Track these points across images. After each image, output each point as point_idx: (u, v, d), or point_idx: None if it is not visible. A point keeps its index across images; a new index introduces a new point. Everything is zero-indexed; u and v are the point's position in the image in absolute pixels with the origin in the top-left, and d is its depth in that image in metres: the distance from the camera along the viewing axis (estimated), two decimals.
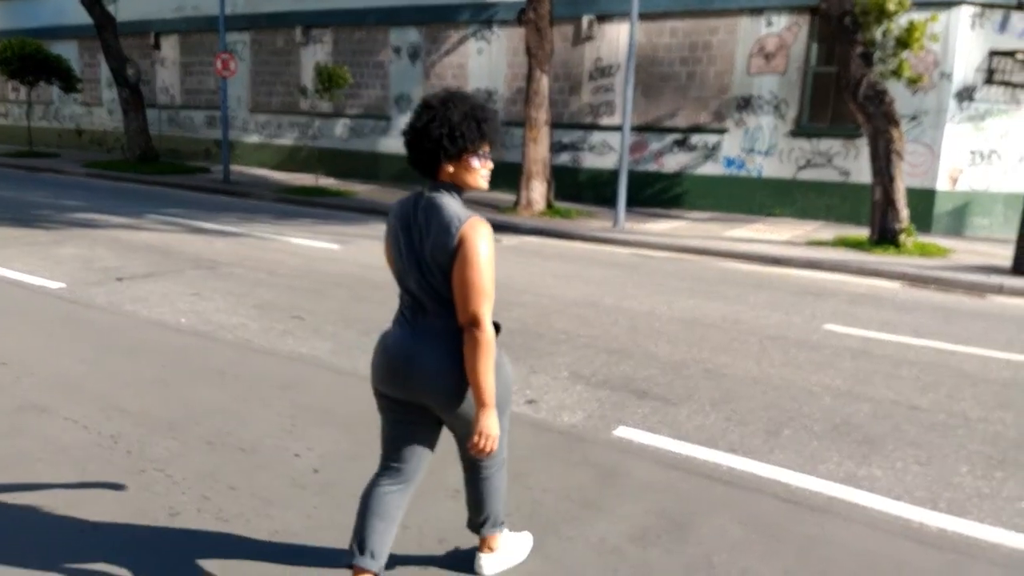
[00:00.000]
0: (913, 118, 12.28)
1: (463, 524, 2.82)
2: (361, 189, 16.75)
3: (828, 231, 12.09)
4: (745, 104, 14.16)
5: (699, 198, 14.83)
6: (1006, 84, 12.14)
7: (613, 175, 12.51)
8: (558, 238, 11.67)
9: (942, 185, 12.38)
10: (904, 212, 10.37)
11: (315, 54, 19.61)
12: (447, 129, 2.27)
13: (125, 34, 21.59)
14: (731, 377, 5.18)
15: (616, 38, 15.14)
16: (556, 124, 15.57)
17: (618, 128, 12.63)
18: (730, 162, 14.49)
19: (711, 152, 14.65)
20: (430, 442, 2.56)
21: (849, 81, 10.38)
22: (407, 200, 2.41)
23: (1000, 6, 12.00)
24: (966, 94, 12.18)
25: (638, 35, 14.62)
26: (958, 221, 12.57)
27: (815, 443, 4.10)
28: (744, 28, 13.95)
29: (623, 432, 4.13)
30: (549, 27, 13.30)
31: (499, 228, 12.09)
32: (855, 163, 12.88)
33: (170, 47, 22.82)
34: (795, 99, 13.65)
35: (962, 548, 3.09)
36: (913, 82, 10.60)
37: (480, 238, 2.25)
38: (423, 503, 3.16)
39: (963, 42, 12.00)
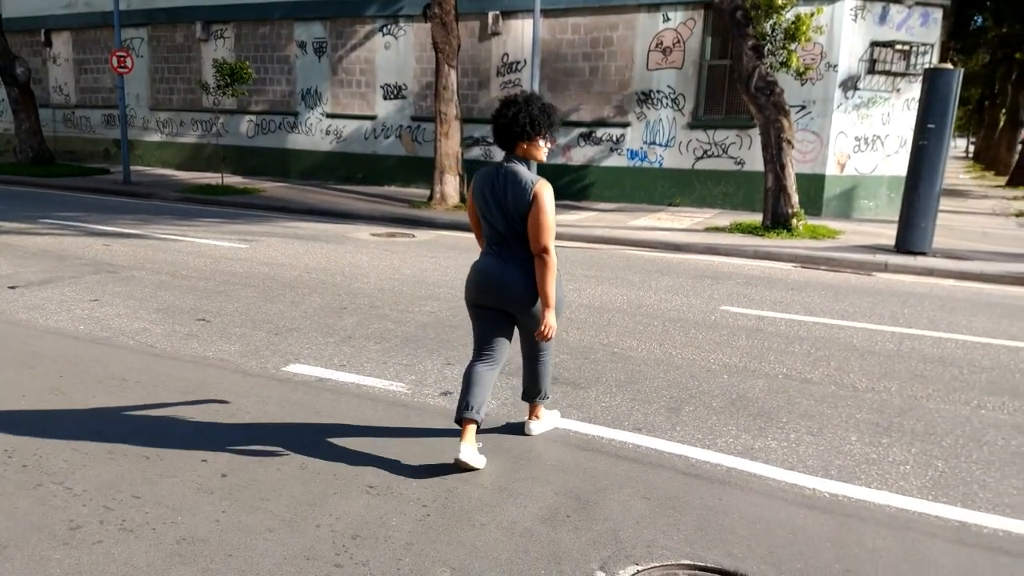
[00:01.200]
0: (802, 108, 12.97)
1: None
2: (269, 187, 16.32)
3: (725, 218, 12.62)
4: (646, 98, 14.58)
5: (606, 189, 15.19)
6: (887, 73, 12.96)
7: None
8: (471, 231, 11.69)
9: (830, 170, 13.13)
10: (795, 197, 10.94)
11: (216, 50, 18.95)
12: (528, 119, 3.41)
13: (13, 31, 20.37)
14: (636, 359, 5.37)
15: (521, 34, 15.29)
16: (467, 119, 15.60)
17: None
18: (634, 154, 14.90)
19: (616, 145, 15.02)
20: (509, 335, 3.69)
21: (742, 73, 10.85)
22: (490, 170, 3.53)
23: None
24: (851, 84, 12.94)
25: (542, 31, 14.84)
26: (846, 204, 13.36)
27: (714, 418, 4.32)
28: (642, 24, 14.35)
29: None
30: (455, 22, 13.31)
31: (413, 223, 12.09)
32: (749, 152, 13.48)
33: (62, 44, 21.59)
34: (692, 92, 14.16)
35: (851, 511, 3.33)
36: (801, 73, 11.18)
37: (547, 194, 3.39)
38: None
39: (847, 34, 12.73)
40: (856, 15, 12.74)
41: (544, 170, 14.68)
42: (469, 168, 14.89)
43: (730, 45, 11.35)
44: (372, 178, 17.50)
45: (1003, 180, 25.97)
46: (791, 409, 4.51)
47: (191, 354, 5.21)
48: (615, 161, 15.12)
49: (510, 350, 3.75)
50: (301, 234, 10.74)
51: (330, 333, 5.78)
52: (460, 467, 3.47)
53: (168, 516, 3.10)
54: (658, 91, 14.49)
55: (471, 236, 11.43)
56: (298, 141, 18.53)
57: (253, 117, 18.99)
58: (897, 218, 10.08)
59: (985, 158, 35.33)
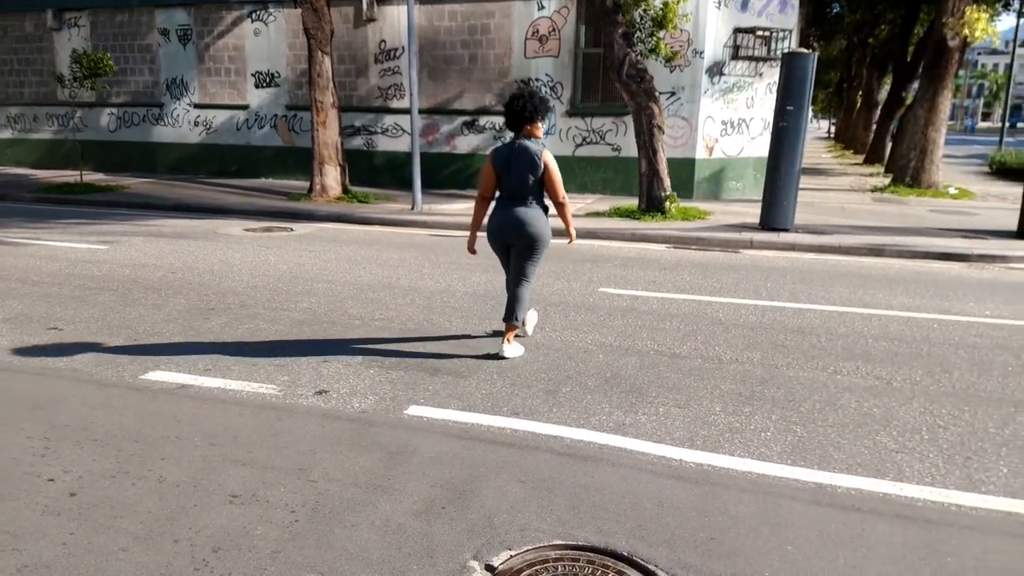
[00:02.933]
0: (672, 94, 13.42)
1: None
2: (133, 183, 15.35)
3: (605, 203, 12.91)
4: (525, 86, 14.67)
5: None
6: (750, 59, 13.59)
7: (408, 157, 12.49)
8: (355, 223, 11.46)
9: (700, 154, 13.68)
10: (667, 181, 11.33)
11: (71, 39, 17.61)
12: (532, 108, 4.88)
13: None
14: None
15: (397, 20, 15.03)
16: (346, 107, 15.24)
17: (408, 111, 12.60)
18: None
19: (499, 133, 15.04)
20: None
21: (613, 61, 11.09)
22: (504, 147, 4.98)
23: None
24: (716, 69, 13.50)
25: (419, 18, 14.64)
26: (716, 186, 13.97)
27: (589, 397, 4.41)
28: (518, 12, 14.42)
29: (414, 411, 4.18)
30: (327, 7, 12.92)
31: (291, 217, 11.69)
32: (625, 139, 13.85)
33: None
34: (569, 80, 14.38)
35: (715, 479, 3.46)
36: (670, 60, 11.56)
37: (552, 159, 4.94)
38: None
39: (711, 21, 13.26)
40: (720, 2, 13.29)
41: (429, 159, 14.58)
42: (351, 158, 14.54)
43: (602, 33, 11.56)
44: (247, 171, 16.79)
45: (861, 158, 27.95)
46: (661, 384, 4.66)
47: (40, 366, 4.82)
48: None
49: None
50: (167, 232, 10.16)
51: (195, 336, 5.49)
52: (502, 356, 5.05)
53: (9, 542, 2.84)
54: (537, 79, 14.61)
55: (355, 228, 11.16)
56: (165, 134, 17.52)
57: (115, 110, 17.80)
58: (762, 198, 10.62)
59: (845, 138, 37.87)
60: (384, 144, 15.90)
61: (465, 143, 15.36)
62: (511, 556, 2.80)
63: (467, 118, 15.23)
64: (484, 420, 4.04)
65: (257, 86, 16.53)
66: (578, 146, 14.52)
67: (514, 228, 4.99)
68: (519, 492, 3.27)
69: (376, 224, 11.42)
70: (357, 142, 15.91)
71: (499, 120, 14.91)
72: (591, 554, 2.85)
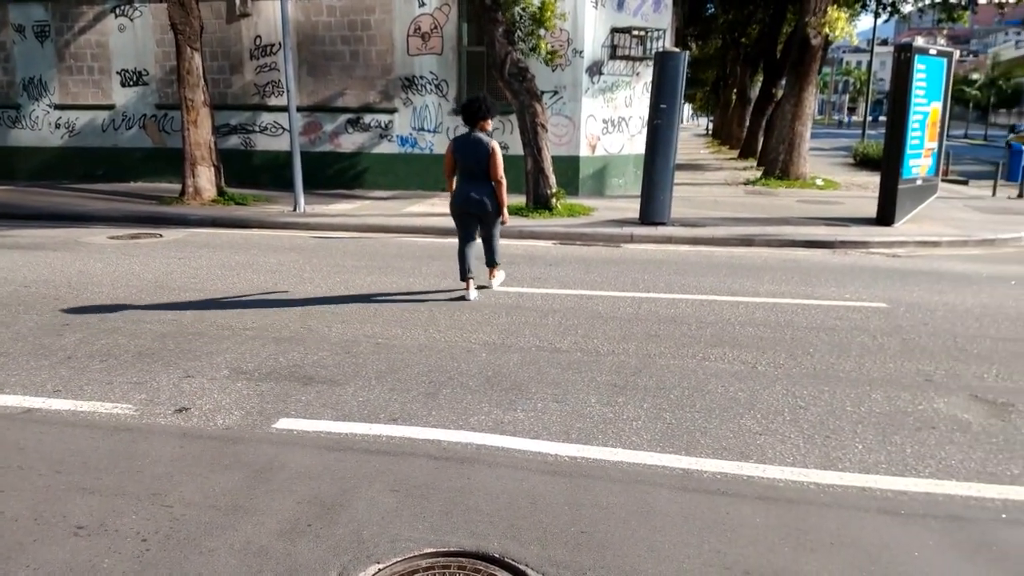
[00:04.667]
0: (555, 93, 13.60)
1: None
2: None
3: None
4: (410, 84, 14.52)
5: (379, 176, 14.96)
6: (627, 58, 13.95)
7: (289, 157, 12.06)
8: (232, 227, 10.97)
9: (583, 152, 13.94)
10: (553, 179, 11.47)
11: None
12: (486, 107, 6.52)
13: None
14: (399, 348, 5.30)
15: (273, 15, 14.49)
16: (220, 105, 14.57)
17: (287, 108, 12.17)
18: (404, 140, 14.81)
19: (385, 131, 14.82)
20: (476, 228, 6.79)
21: (495, 59, 11.12)
22: (461, 137, 6.51)
23: None
24: (596, 69, 13.78)
25: (296, 13, 14.20)
26: (599, 182, 14.28)
27: (469, 397, 4.37)
28: (399, 8, 14.22)
29: (284, 424, 4.00)
30: (195, 2, 12.29)
31: (161, 222, 11.07)
32: (511, 137, 13.87)
33: None
34: (453, 78, 14.32)
35: (588, 472, 3.49)
36: (551, 59, 11.70)
37: (498, 148, 6.49)
38: None
39: (589, 20, 13.51)
40: (596, 2, 13.56)
41: (312, 158, 14.19)
42: (228, 159, 13.91)
43: (483, 31, 11.57)
44: (115, 175, 15.75)
45: (736, 153, 29.32)
46: (541, 379, 4.68)
47: None
48: (386, 148, 14.92)
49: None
50: (23, 243, 9.38)
51: (45, 355, 5.07)
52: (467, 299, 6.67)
53: None
54: (421, 77, 14.47)
55: (230, 232, 10.67)
56: (22, 137, 16.22)
57: None
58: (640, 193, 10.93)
59: (722, 134, 39.63)
60: (263, 143, 15.32)
61: (350, 141, 15.02)
62: (379, 570, 2.72)
63: (351, 116, 14.89)
64: (359, 429, 3.92)
65: (124, 85, 15.56)
66: None
67: (476, 203, 6.63)
68: (391, 502, 3.19)
69: (254, 227, 10.97)
70: (233, 141, 15.26)
71: (385, 118, 14.70)
72: (463, 559, 2.80)
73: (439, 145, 14.55)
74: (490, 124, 6.69)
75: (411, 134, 14.75)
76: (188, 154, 12.59)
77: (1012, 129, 39.78)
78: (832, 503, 3.23)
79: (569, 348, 5.32)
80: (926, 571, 2.72)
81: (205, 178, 12.71)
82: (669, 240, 9.87)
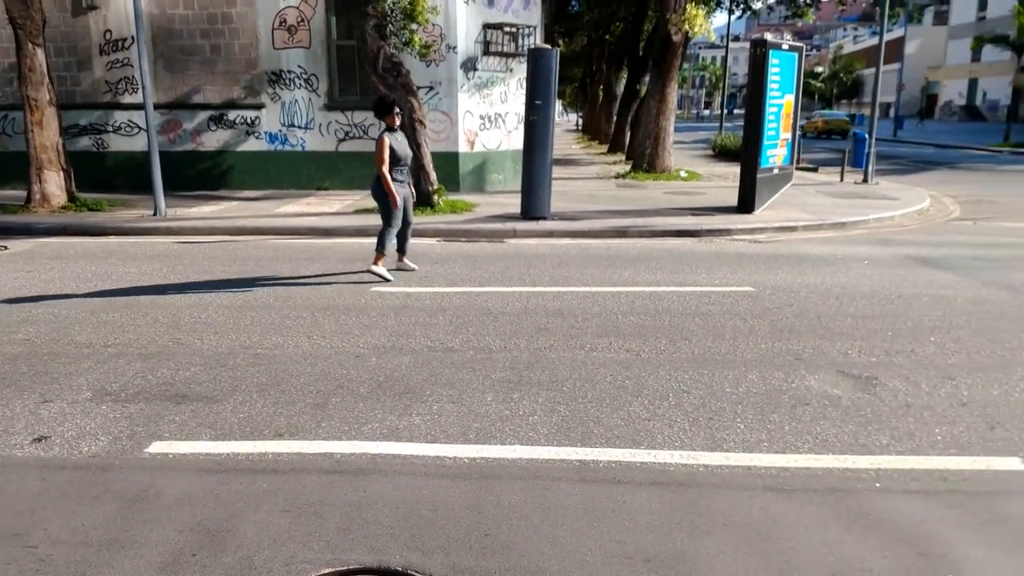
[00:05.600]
0: (431, 88, 13.48)
1: None
2: None
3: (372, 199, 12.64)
4: (277, 78, 13.96)
5: (247, 176, 14.30)
6: (500, 54, 14.03)
7: (147, 157, 11.28)
8: (85, 235, 10.15)
9: (462, 148, 13.91)
10: (434, 175, 11.37)
11: None
12: (391, 102, 7.51)
13: None
14: (281, 358, 5.06)
15: (123, 8, 13.53)
16: (68, 105, 13.47)
17: (143, 106, 11.36)
18: (273, 137, 14.23)
19: (252, 128, 14.18)
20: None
21: (367, 54, 10.86)
22: (388, 130, 7.38)
23: None
24: (470, 64, 13.77)
25: (149, 5, 13.33)
26: (479, 178, 14.31)
27: (361, 405, 4.23)
28: (263, 1, 13.62)
29: (157, 447, 3.71)
30: None
31: (5, 232, 10.10)
32: None
33: None
34: (324, 73, 13.89)
35: (488, 472, 3.46)
36: (424, 54, 11.57)
37: (381, 139, 7.28)
38: None
39: (461, 16, 13.47)
40: None
41: (172, 158, 13.40)
42: (79, 161, 12.87)
43: (353, 25, 11.27)
44: None
45: (605, 148, 30.23)
46: (435, 380, 4.61)
47: None
48: (254, 145, 14.27)
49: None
50: None
51: None
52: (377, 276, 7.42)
53: None
54: (289, 71, 13.94)
55: (84, 241, 9.87)
56: None
57: None
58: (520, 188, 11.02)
59: (591, 129, 40.78)
60: (117, 144, 14.28)
61: (213, 139, 14.27)
62: None
63: (214, 112, 14.15)
64: (242, 448, 3.70)
65: None
66: (341, 141, 14.09)
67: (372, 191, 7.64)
68: (284, 522, 3.02)
69: (111, 234, 10.20)
70: (84, 143, 14.15)
71: (251, 114, 14.07)
72: None
73: (312, 142, 14.09)
74: (396, 120, 7.44)
75: (280, 131, 14.19)
76: (33, 158, 11.54)
77: (852, 119, 43.36)
78: (721, 484, 3.36)
79: (461, 347, 5.27)
80: (812, 544, 2.87)
81: (54, 183, 11.69)
82: (551, 234, 10.01)
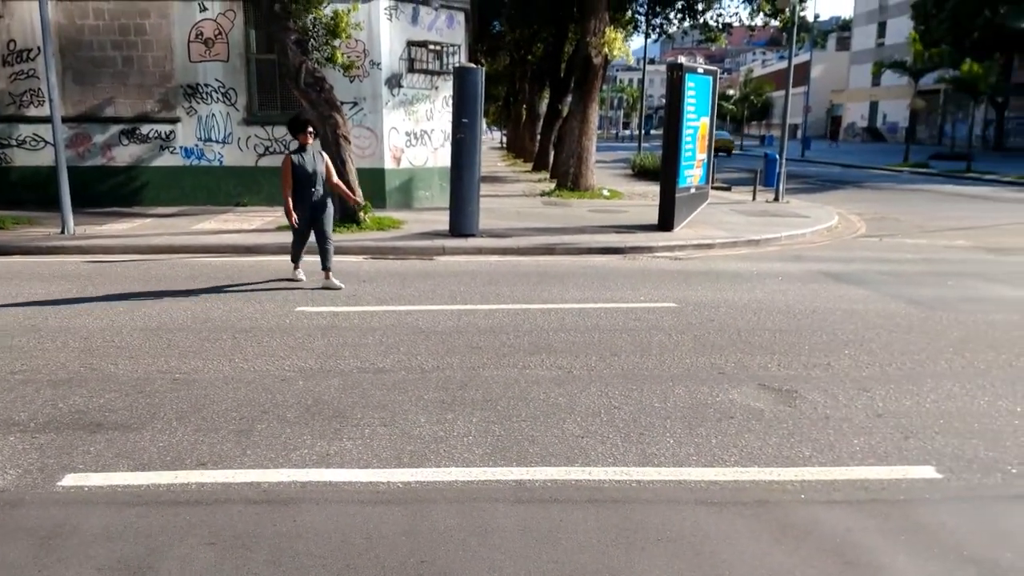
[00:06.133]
0: (355, 104, 13.34)
1: None
2: None
3: None
4: (193, 92, 13.55)
5: (162, 192, 13.77)
6: (425, 72, 14.02)
7: (53, 172, 10.72)
8: None
9: (388, 164, 13.80)
10: (359, 192, 11.20)
11: None
12: (304, 121, 7.73)
13: None
14: (202, 383, 4.87)
15: (29, 17, 12.86)
16: None
17: (50, 119, 10.80)
18: (189, 152, 13.77)
19: (167, 142, 13.69)
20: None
21: (289, 68, 10.67)
22: (296, 150, 7.62)
23: (409, 0, 13.71)
24: (395, 81, 13.70)
25: (58, 15, 12.75)
26: (406, 195, 14.22)
27: (288, 431, 4.10)
28: (178, 12, 13.24)
29: (71, 480, 3.51)
30: None
31: None
32: None
33: None
34: (243, 87, 13.57)
35: (423, 496, 3.41)
36: (347, 69, 11.44)
37: (284, 160, 7.60)
38: None
39: (385, 33, 13.41)
40: (391, 15, 13.50)
41: (83, 173, 12.83)
42: None
43: (274, 39, 11.05)
44: None
45: (530, 166, 30.55)
46: (366, 403, 4.52)
47: None
48: (169, 160, 13.76)
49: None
50: None
51: None
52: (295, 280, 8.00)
53: None
54: (206, 84, 13.54)
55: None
56: None
57: None
58: (448, 205, 11.01)
59: (515, 147, 41.17)
60: (22, 158, 13.53)
61: (126, 154, 13.69)
62: None
63: (126, 126, 13.59)
64: (163, 479, 3.53)
65: None
66: (261, 156, 13.76)
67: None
68: (209, 557, 2.89)
69: (15, 253, 9.62)
70: None
71: (166, 128, 13.61)
72: None
73: (229, 157, 13.71)
74: (308, 139, 7.63)
75: (197, 145, 13.75)
76: None
77: (762, 140, 45.28)
78: (653, 499, 3.41)
79: (393, 367, 5.20)
80: (743, 556, 2.95)
81: None
82: (479, 251, 10.02)
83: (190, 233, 10.85)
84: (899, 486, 3.53)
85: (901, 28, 50.72)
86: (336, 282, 7.80)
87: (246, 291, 7.59)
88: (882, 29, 60.04)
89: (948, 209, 16.50)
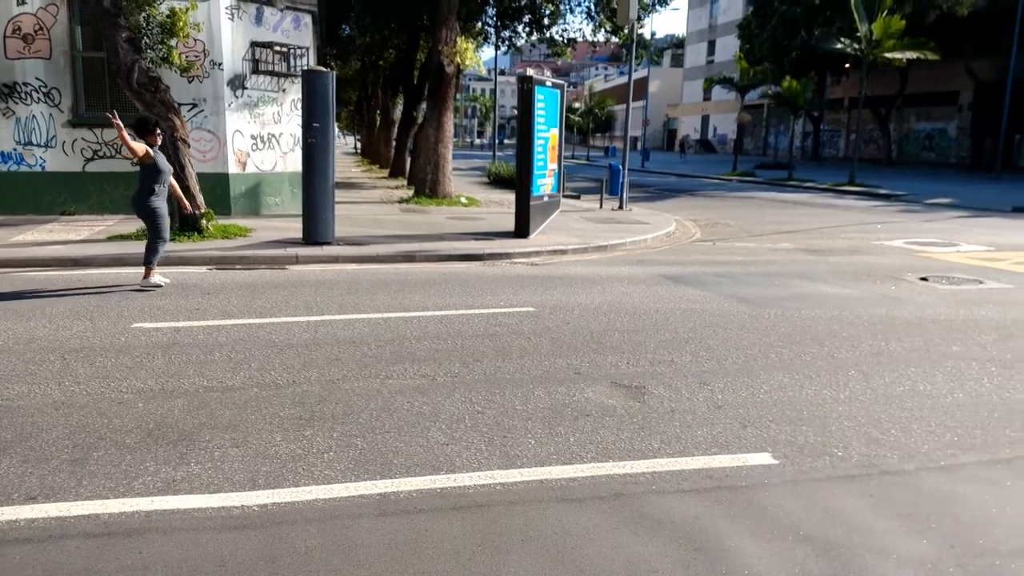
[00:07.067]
0: (194, 105, 12.63)
1: None
2: None
3: (130, 224, 11.46)
4: (10, 91, 12.31)
5: None
6: (271, 74, 13.51)
7: None
8: None
9: (233, 169, 13.16)
10: (200, 198, 10.62)
11: None
12: (154, 123, 8.26)
13: None
14: (28, 408, 4.43)
15: None
16: None
17: None
18: (6, 157, 12.49)
19: None
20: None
21: (120, 68, 9.94)
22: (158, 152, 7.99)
23: (252, 0, 13.16)
24: (238, 82, 13.10)
25: None
26: (254, 201, 13.62)
27: (129, 458, 3.81)
28: None
29: None
30: None
31: None
32: None
33: None
34: (67, 86, 12.48)
35: (282, 518, 3.27)
36: (185, 70, 10.82)
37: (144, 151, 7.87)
38: None
39: (226, 33, 12.79)
40: (233, 14, 12.90)
41: None
42: None
43: (103, 37, 10.24)
44: None
45: (386, 172, 30.23)
46: (214, 424, 4.29)
47: None
48: None
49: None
50: None
51: None
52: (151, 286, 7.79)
53: None
54: (25, 83, 12.33)
55: None
56: None
57: None
58: (301, 212, 10.67)
59: (370, 153, 40.61)
60: None
61: None
62: None
63: None
64: None
65: None
66: (88, 160, 12.69)
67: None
68: None
69: None
70: None
71: None
72: None
73: (53, 162, 12.55)
74: (157, 140, 7.95)
75: (15, 149, 12.48)
76: None
77: (606, 151, 47.43)
78: (516, 500, 3.48)
79: (243, 384, 4.96)
80: (603, 550, 3.07)
81: None
82: (336, 260, 9.78)
83: (9, 245, 9.82)
84: (740, 473, 3.81)
85: (729, 47, 54.96)
86: (161, 279, 8.01)
87: (74, 306, 6.96)
88: (712, 47, 64.74)
89: (773, 214, 18.04)
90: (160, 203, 7.94)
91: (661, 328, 6.68)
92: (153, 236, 7.91)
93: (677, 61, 76.48)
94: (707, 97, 60.78)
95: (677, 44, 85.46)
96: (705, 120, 66.33)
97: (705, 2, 65.78)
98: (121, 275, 8.54)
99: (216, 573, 2.84)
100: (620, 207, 17.43)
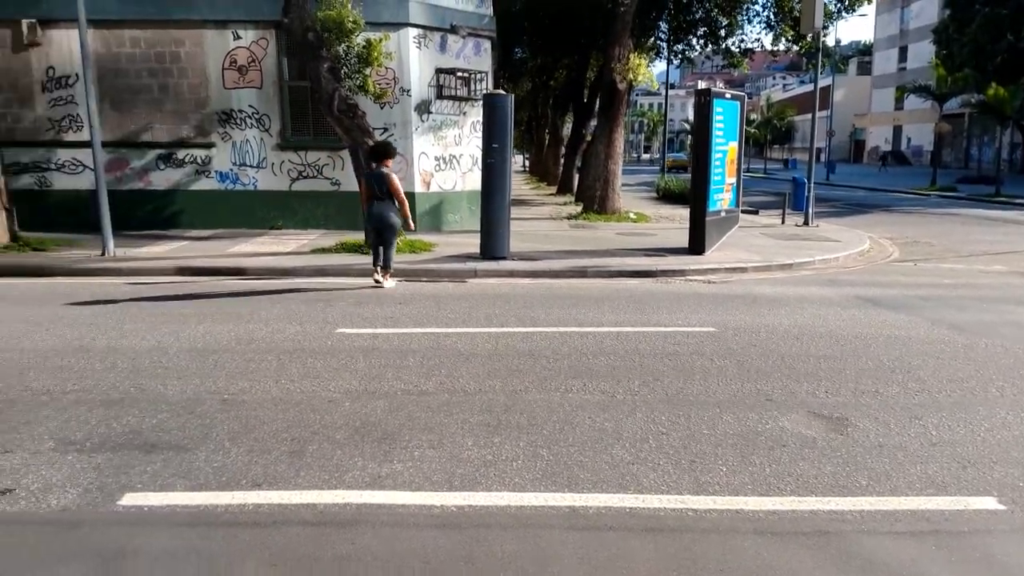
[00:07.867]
0: (385, 130, 13.51)
1: None
2: None
3: (331, 238, 12.52)
4: (228, 118, 13.80)
5: (198, 215, 13.99)
6: (453, 98, 14.19)
7: (92, 196, 10.97)
8: (30, 276, 9.76)
9: (419, 188, 13.93)
10: None
11: None
12: (391, 149, 9.63)
13: None
14: (251, 403, 4.92)
15: (67, 45, 13.23)
16: (7, 142, 13.05)
17: (88, 144, 11.08)
18: (224, 176, 14.00)
19: (203, 167, 13.93)
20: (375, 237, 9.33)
21: (323, 96, 10.85)
22: (370, 171, 9.32)
23: (437, 29, 13.93)
24: (424, 108, 13.88)
25: (95, 43, 13.06)
26: (436, 218, 14.33)
27: (339, 452, 4.13)
28: (211, 41, 13.54)
29: (131, 499, 3.55)
30: None
31: None
32: (343, 173, 13.63)
33: None
34: (276, 113, 13.81)
35: (478, 520, 3.40)
36: (379, 97, 11.63)
37: (394, 176, 9.15)
38: None
39: (414, 61, 13.61)
40: (420, 43, 13.71)
41: (119, 197, 12.84)
42: (22, 200, 12.44)
43: (307, 67, 11.27)
44: None
45: (554, 189, 30.70)
46: (412, 425, 4.54)
47: None
48: (205, 184, 14.00)
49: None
50: None
51: None
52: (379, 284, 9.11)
53: None
54: (240, 111, 13.80)
55: (32, 282, 9.45)
56: None
57: None
58: (479, 229, 11.09)
59: (538, 171, 41.43)
60: (61, 182, 13.82)
61: (163, 178, 13.94)
62: None
63: (163, 151, 13.85)
64: (220, 499, 3.56)
65: None
66: (294, 180, 13.96)
67: (376, 217, 9.02)
68: None
69: (59, 275, 9.82)
70: (26, 180, 13.64)
71: (202, 153, 13.88)
72: None
73: (264, 181, 13.93)
74: (391, 162, 9.25)
75: (232, 170, 13.98)
76: None
77: (786, 164, 45.18)
78: (711, 528, 3.37)
79: (436, 389, 5.22)
80: None
81: None
82: (511, 274, 10.06)
83: (227, 255, 11.00)
84: (961, 517, 3.46)
85: (922, 53, 50.54)
86: (389, 284, 9.27)
87: (285, 312, 7.66)
88: (903, 54, 59.88)
89: (981, 233, 16.32)
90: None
91: (861, 355, 6.23)
92: (392, 244, 9.30)
93: (864, 69, 71.44)
94: (899, 106, 56.21)
95: (864, 51, 79.95)
96: (897, 130, 61.34)
97: (895, 7, 61.04)
98: (325, 284, 9.30)
99: (421, 569, 3.00)
100: (805, 223, 16.53)
